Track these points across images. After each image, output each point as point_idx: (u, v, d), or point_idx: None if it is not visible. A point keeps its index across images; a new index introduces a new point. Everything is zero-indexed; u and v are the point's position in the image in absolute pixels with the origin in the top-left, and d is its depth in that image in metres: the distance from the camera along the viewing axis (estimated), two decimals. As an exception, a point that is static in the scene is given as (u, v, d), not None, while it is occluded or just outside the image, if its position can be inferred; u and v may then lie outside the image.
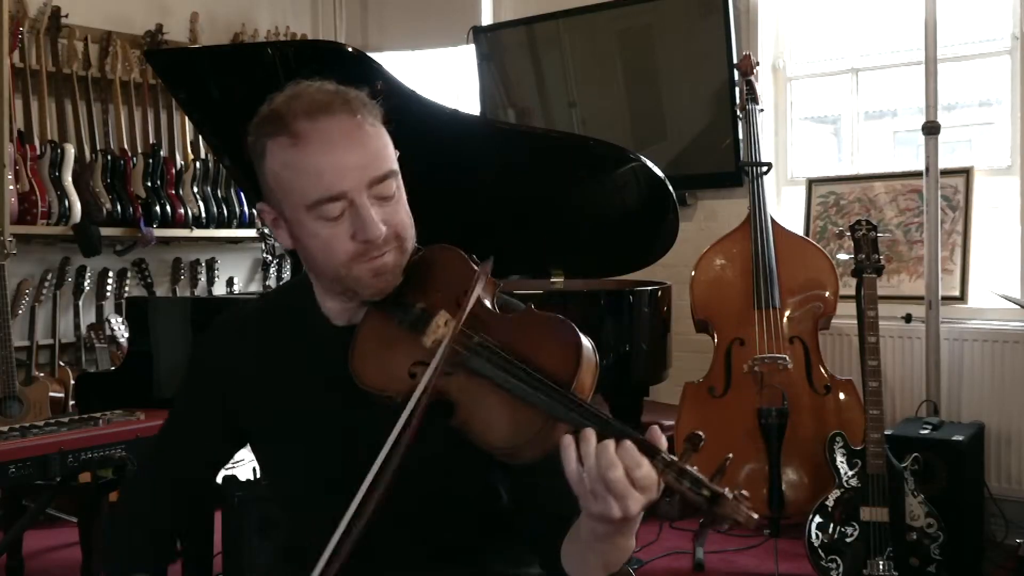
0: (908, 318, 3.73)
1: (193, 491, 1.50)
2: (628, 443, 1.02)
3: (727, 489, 0.99)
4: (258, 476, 2.88)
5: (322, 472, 1.34)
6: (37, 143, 4.28)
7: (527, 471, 1.20)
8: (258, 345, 1.40)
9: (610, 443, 1.03)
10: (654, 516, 1.05)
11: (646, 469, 1.01)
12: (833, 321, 3.57)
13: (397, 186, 1.26)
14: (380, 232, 1.21)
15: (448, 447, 1.26)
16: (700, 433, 1.04)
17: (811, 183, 4.33)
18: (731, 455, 1.06)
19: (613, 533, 1.09)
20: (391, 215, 1.24)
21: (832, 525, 3.02)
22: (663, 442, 1.04)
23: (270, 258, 5.17)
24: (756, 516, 0.99)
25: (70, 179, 4.31)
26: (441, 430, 1.18)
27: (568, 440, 1.05)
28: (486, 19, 5.21)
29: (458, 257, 1.27)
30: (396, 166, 1.27)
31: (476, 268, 1.24)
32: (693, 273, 3.64)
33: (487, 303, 1.22)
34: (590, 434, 1.04)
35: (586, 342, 1.12)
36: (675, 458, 1.02)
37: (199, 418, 1.45)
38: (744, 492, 1.00)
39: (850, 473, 3.04)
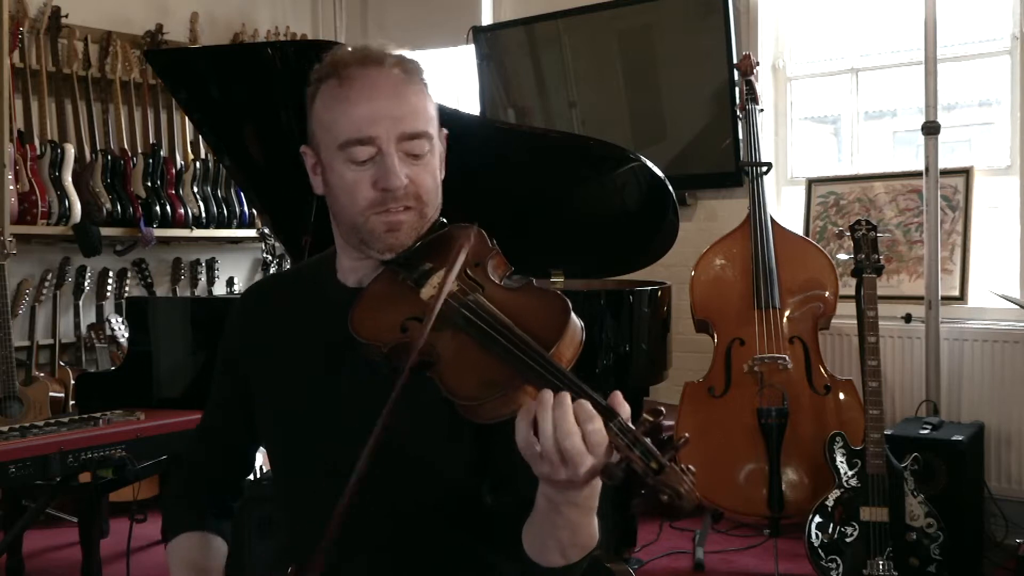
0: (908, 318, 3.73)
1: (236, 450, 1.53)
2: (584, 401, 1.03)
3: (680, 465, 1.00)
4: (258, 476, 2.89)
5: (314, 433, 1.35)
6: (37, 143, 4.28)
7: (505, 448, 1.20)
8: (276, 312, 1.44)
9: (567, 403, 1.03)
10: (601, 477, 1.05)
11: (598, 424, 1.02)
12: (833, 321, 3.57)
13: (430, 151, 1.30)
14: (400, 183, 1.25)
15: (444, 440, 1.27)
16: (662, 408, 1.04)
17: (811, 183, 4.33)
18: (687, 435, 1.08)
19: (564, 502, 1.09)
20: (417, 174, 1.28)
21: (832, 525, 3.02)
22: (624, 409, 1.05)
23: (270, 258, 5.17)
24: (699, 495, 1.00)
25: (70, 179, 4.31)
26: (435, 424, 1.18)
27: (528, 406, 1.05)
28: (486, 19, 5.21)
29: (477, 232, 1.29)
30: (434, 132, 1.31)
31: (491, 246, 1.27)
32: (693, 273, 3.64)
33: (495, 279, 1.24)
34: (548, 396, 1.04)
35: (575, 317, 1.14)
36: (631, 425, 1.03)
37: (225, 385, 1.49)
38: (691, 467, 1.00)
39: (850, 473, 3.04)
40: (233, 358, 1.46)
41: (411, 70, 1.31)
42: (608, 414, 1.04)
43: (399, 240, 1.28)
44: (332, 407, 1.33)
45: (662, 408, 1.04)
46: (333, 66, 1.30)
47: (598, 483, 1.08)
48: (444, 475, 1.30)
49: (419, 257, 1.27)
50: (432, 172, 1.31)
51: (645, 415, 1.03)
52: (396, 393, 1.13)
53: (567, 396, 1.04)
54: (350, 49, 1.32)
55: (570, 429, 1.02)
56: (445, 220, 1.33)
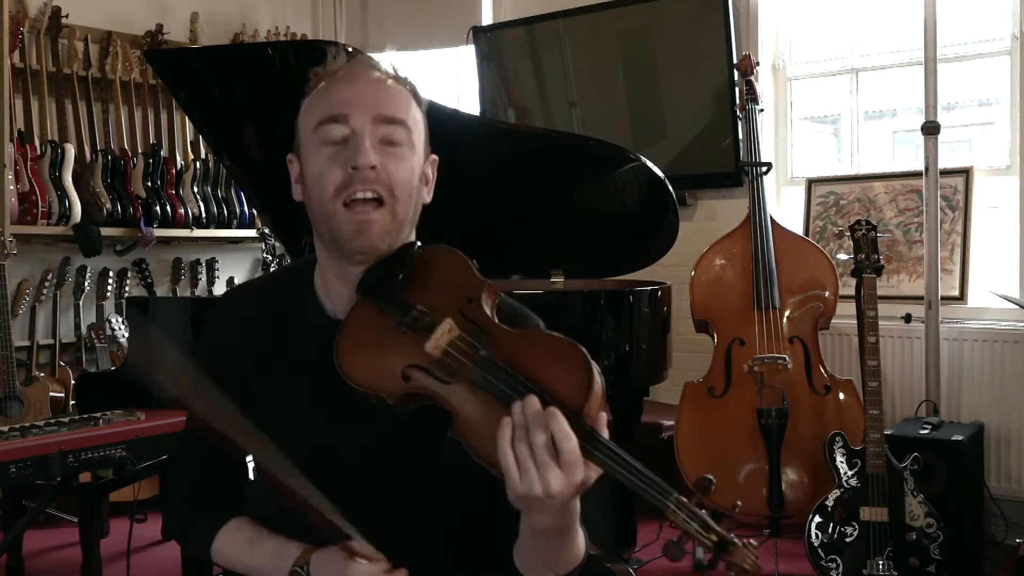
0: (908, 318, 3.73)
1: (233, 462, 1.47)
2: (557, 412, 1.04)
3: (734, 535, 1.02)
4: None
5: (311, 472, 1.30)
6: (37, 143, 4.28)
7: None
8: (257, 331, 1.39)
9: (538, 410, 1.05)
10: (664, 557, 1.07)
11: (573, 444, 1.03)
12: (833, 321, 3.56)
13: (408, 144, 1.28)
14: (368, 161, 1.22)
15: (453, 471, 1.26)
16: (711, 477, 1.05)
17: (811, 183, 4.33)
18: (740, 503, 1.09)
19: (551, 531, 1.10)
20: (389, 164, 1.25)
21: (832, 525, 3.02)
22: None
23: (270, 258, 5.17)
24: (761, 568, 1.02)
25: (70, 179, 4.31)
26: (444, 455, 1.18)
27: (507, 421, 1.06)
28: (486, 19, 5.21)
29: (460, 260, 1.25)
30: (413, 126, 1.29)
31: (478, 275, 1.22)
32: (693, 273, 3.64)
33: (487, 310, 1.20)
34: (517, 405, 1.06)
35: (596, 368, 1.10)
36: (686, 500, 1.03)
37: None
38: (753, 541, 1.03)
39: (850, 473, 3.04)
40: (218, 373, 1.38)
41: (400, 78, 1.31)
42: (664, 492, 1.04)
43: (369, 241, 1.24)
44: (329, 444, 1.30)
45: (711, 478, 1.06)
46: (322, 76, 1.32)
47: (575, 509, 1.10)
48: (454, 500, 1.30)
49: (403, 290, 1.22)
50: (408, 168, 1.27)
51: (695, 486, 1.04)
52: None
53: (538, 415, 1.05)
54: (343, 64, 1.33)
55: (537, 440, 1.04)
56: (419, 243, 1.29)
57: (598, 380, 1.10)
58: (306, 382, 1.32)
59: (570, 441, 1.03)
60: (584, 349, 1.11)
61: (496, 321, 1.19)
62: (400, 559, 1.29)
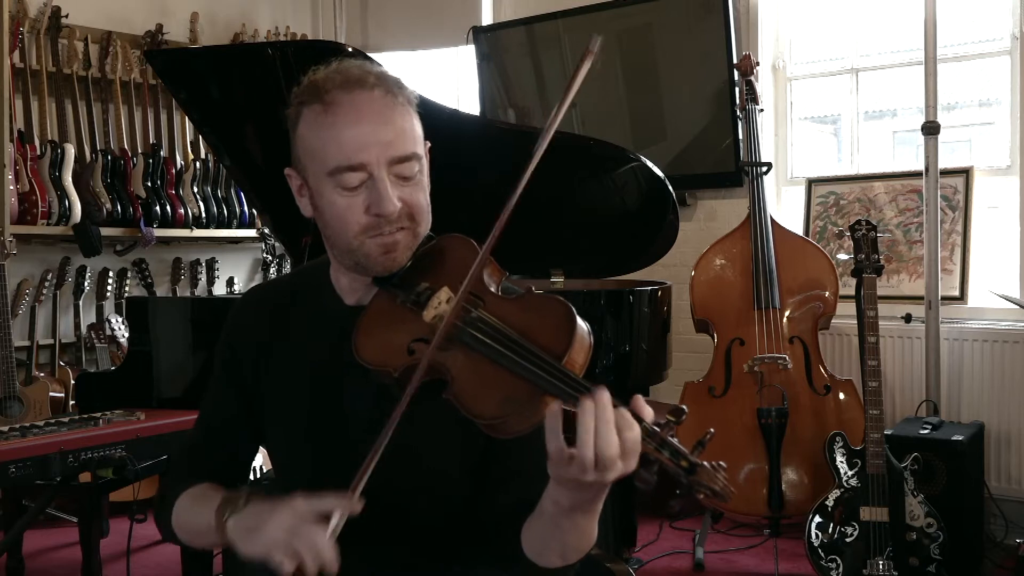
0: (908, 318, 3.73)
1: (238, 461, 1.49)
2: (624, 409, 1.05)
3: (705, 461, 1.03)
4: (259, 476, 2.89)
5: (319, 451, 1.35)
6: (37, 143, 4.28)
7: (501, 452, 1.22)
8: (275, 322, 1.42)
9: (610, 412, 1.04)
10: (634, 483, 1.07)
11: (636, 432, 1.03)
12: (833, 321, 3.57)
13: (420, 170, 1.30)
14: (394, 208, 1.25)
15: (439, 446, 1.28)
16: (684, 407, 1.07)
17: (811, 183, 4.33)
18: (712, 430, 1.09)
19: (576, 507, 1.10)
20: (408, 195, 1.27)
21: (832, 525, 3.02)
22: (648, 412, 1.07)
23: (270, 258, 5.17)
24: (733, 488, 1.02)
25: (70, 179, 4.31)
26: (434, 429, 1.19)
27: (555, 410, 1.05)
28: (486, 19, 5.21)
29: (466, 244, 1.29)
30: (422, 151, 1.31)
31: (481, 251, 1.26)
32: (693, 273, 3.64)
33: (492, 288, 1.24)
34: (590, 405, 1.05)
35: (581, 322, 1.15)
36: (657, 428, 1.05)
37: (230, 397, 1.45)
38: (722, 463, 1.03)
39: (850, 473, 3.04)
40: (235, 371, 1.44)
41: (394, 89, 1.28)
42: (635, 419, 1.05)
43: (396, 261, 1.27)
44: (336, 424, 1.33)
45: (684, 407, 1.07)
46: (315, 90, 1.27)
47: (606, 489, 1.09)
48: (448, 480, 1.30)
49: (413, 275, 1.28)
50: (424, 190, 1.31)
51: (668, 416, 1.05)
52: (399, 412, 1.14)
53: (609, 405, 1.04)
54: (330, 70, 1.29)
55: (611, 438, 1.03)
56: (432, 233, 1.34)
57: (582, 331, 1.14)
58: (321, 367, 1.34)
59: (632, 429, 1.03)
60: (570, 305, 1.16)
61: (495, 292, 1.24)
62: (399, 537, 1.31)
